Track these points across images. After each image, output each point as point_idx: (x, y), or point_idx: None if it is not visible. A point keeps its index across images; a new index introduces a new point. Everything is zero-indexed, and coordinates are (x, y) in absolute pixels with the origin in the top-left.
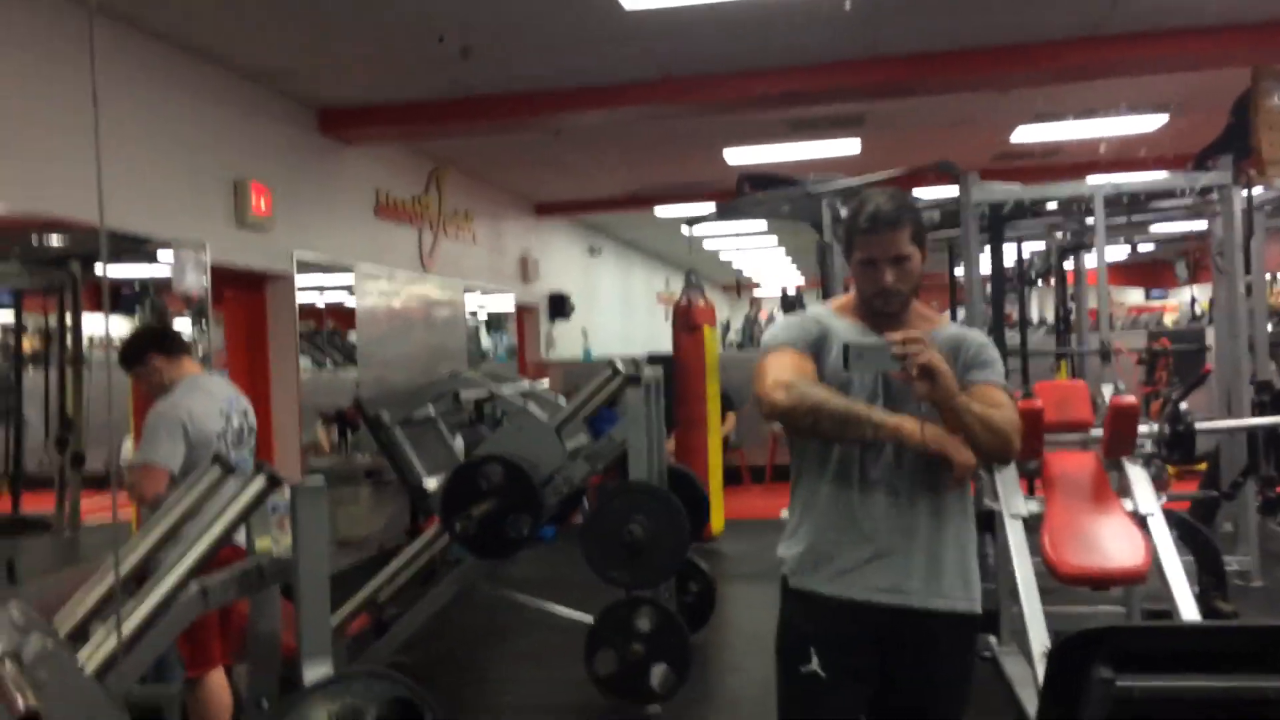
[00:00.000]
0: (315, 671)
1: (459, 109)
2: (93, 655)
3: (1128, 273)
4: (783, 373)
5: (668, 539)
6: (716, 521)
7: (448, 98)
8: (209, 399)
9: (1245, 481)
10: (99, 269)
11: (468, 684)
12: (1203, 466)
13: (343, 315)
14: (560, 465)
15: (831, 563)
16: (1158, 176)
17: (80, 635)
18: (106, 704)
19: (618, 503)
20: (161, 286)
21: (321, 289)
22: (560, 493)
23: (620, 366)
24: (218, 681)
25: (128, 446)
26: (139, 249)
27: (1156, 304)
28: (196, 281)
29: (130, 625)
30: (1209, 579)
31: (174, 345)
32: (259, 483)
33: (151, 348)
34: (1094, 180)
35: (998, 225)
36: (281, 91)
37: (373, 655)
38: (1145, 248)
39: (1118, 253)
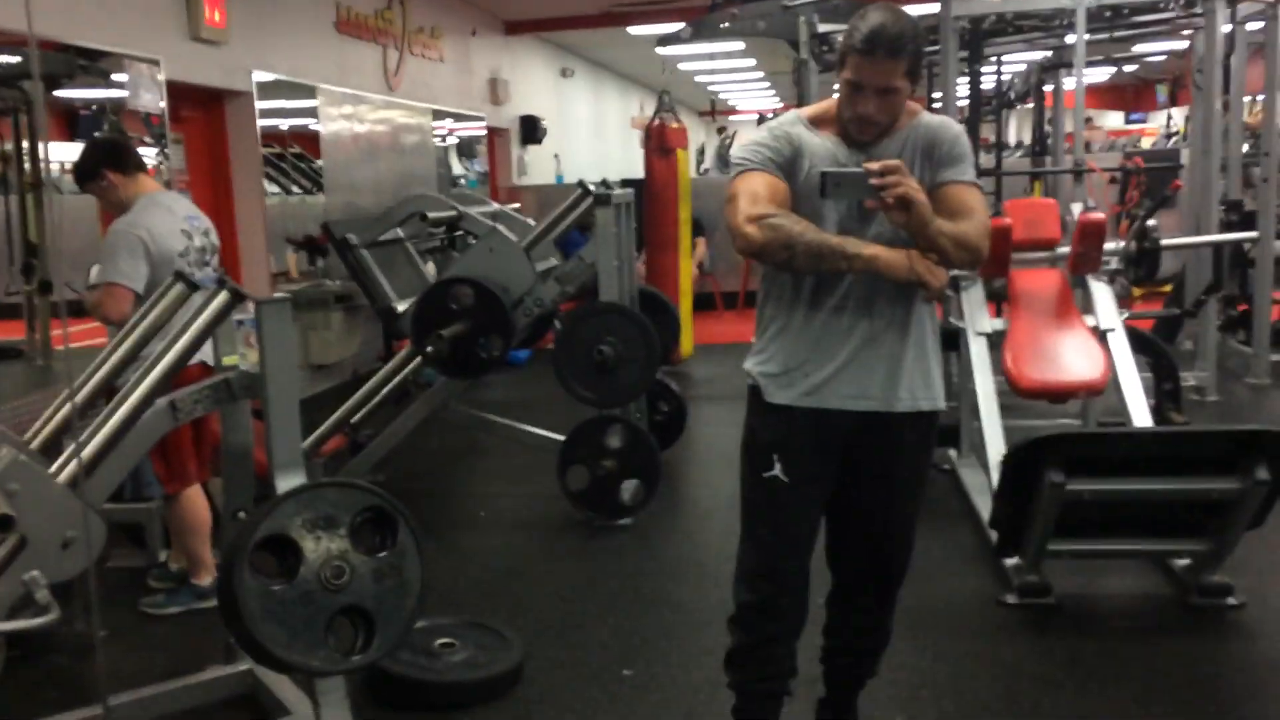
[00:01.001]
0: (288, 481)
1: None
2: (64, 467)
3: (1108, 96)
4: (755, 204)
5: (638, 358)
6: (686, 345)
7: None
8: (169, 216)
9: (1208, 299)
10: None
11: (441, 500)
12: (1168, 289)
13: (307, 140)
14: (530, 286)
15: (804, 379)
16: None
17: (52, 450)
18: (79, 511)
19: (588, 323)
20: (119, 107)
21: (284, 113)
22: (531, 314)
23: (590, 187)
24: (195, 497)
25: (95, 271)
26: (94, 68)
27: (1135, 127)
28: (153, 100)
29: (99, 439)
30: (1165, 392)
31: (128, 160)
32: (222, 297)
33: (104, 163)
34: None
35: (977, 42)
36: None
37: (347, 474)
38: (1128, 68)
39: (1099, 74)
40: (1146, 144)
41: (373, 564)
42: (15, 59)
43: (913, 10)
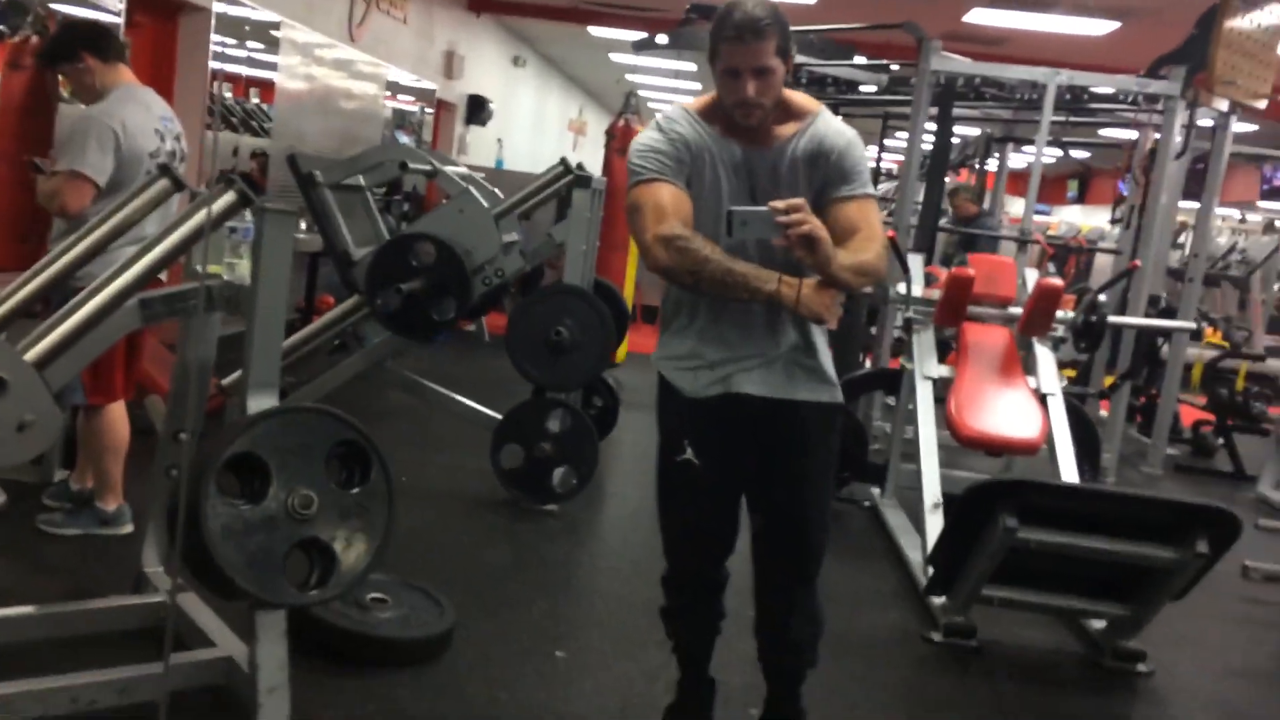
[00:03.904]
0: (262, 403)
1: None
2: (32, 347)
3: (1020, 184)
4: (662, 221)
5: (593, 345)
6: (620, 350)
7: None
8: (146, 113)
9: (1123, 384)
10: None
11: None
12: (1072, 374)
13: (257, 84)
14: (494, 255)
15: (709, 369)
16: (1110, 78)
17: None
18: (41, 395)
19: (548, 303)
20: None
21: (239, 48)
22: (490, 283)
23: (571, 165)
24: (118, 414)
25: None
26: None
27: (1040, 218)
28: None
29: (66, 327)
30: (1088, 465)
31: (108, 45)
32: (229, 196)
33: (84, 45)
34: (1047, 68)
35: (947, 100)
36: None
37: None
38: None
39: (1025, 158)
40: (1052, 235)
41: (341, 499)
42: None
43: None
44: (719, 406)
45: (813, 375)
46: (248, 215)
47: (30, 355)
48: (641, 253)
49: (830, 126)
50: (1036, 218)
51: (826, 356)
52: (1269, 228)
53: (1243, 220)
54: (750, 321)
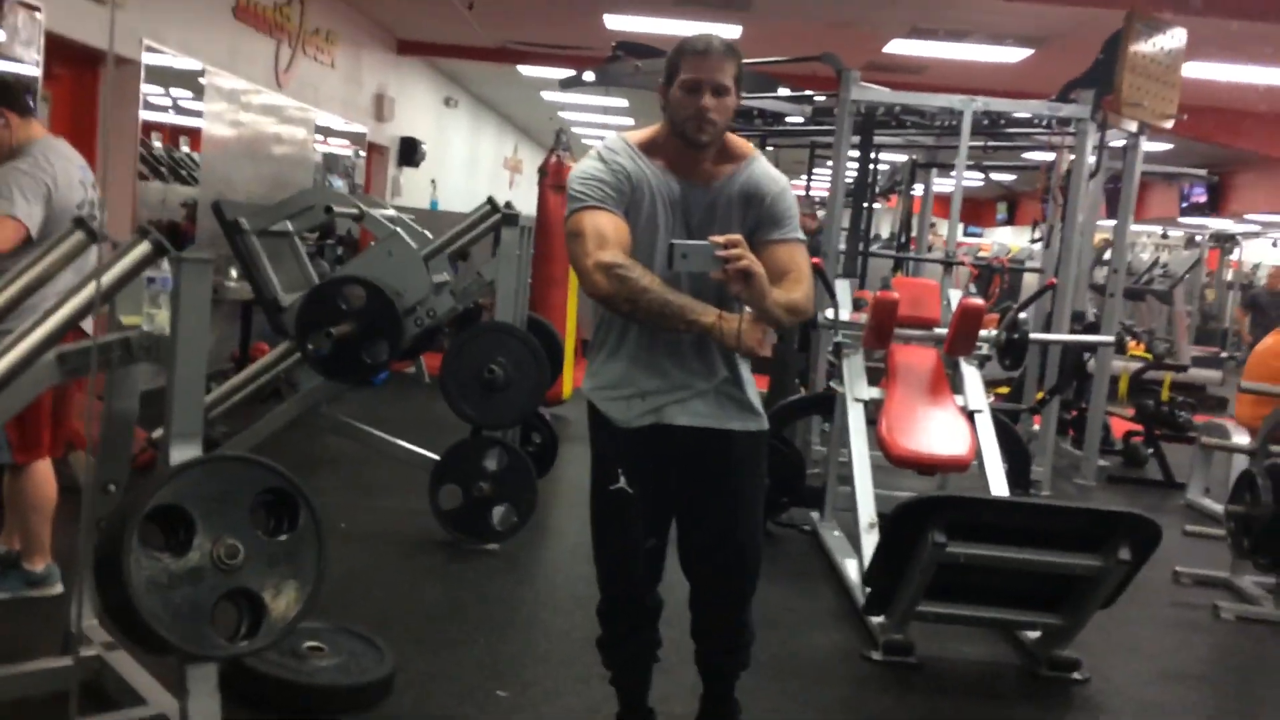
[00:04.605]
0: (185, 453)
1: None
2: None
3: (947, 208)
4: (603, 248)
5: (526, 381)
6: (565, 386)
7: None
8: (69, 165)
9: (1052, 399)
10: None
11: None
12: (1005, 390)
13: (184, 132)
14: (424, 296)
15: (641, 399)
16: (1023, 103)
17: None
18: None
19: (480, 340)
20: None
21: (164, 95)
22: (422, 324)
23: (499, 204)
24: (44, 472)
25: None
26: None
27: (972, 240)
28: (27, 52)
29: None
30: (1018, 480)
31: (22, 99)
32: (143, 247)
33: (2, 101)
34: (963, 96)
35: (869, 129)
36: None
37: None
38: (998, 178)
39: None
40: (984, 255)
41: (269, 547)
42: None
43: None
44: (651, 436)
45: (742, 407)
46: (165, 265)
47: None
48: (580, 278)
49: (766, 172)
50: (969, 239)
51: (752, 387)
52: (1190, 243)
53: (1165, 236)
54: (681, 351)
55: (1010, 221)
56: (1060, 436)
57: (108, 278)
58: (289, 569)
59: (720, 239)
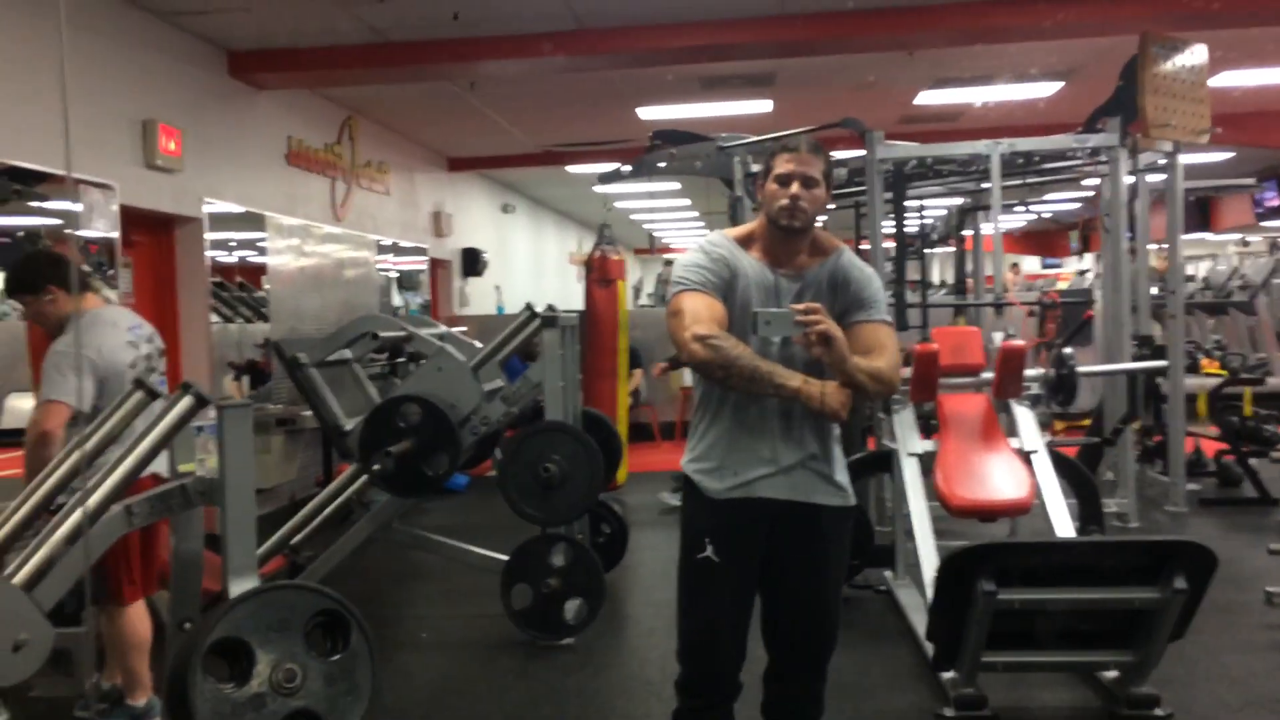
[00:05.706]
0: (242, 585)
1: (372, 55)
2: (21, 568)
3: (1024, 242)
4: (699, 323)
5: (582, 476)
6: (620, 472)
7: (361, 43)
8: (114, 330)
9: (1125, 428)
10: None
11: (383, 622)
12: (1087, 423)
13: (252, 272)
14: (477, 405)
15: (734, 475)
16: (1049, 139)
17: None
18: (32, 614)
19: (534, 441)
20: (55, 233)
21: (231, 244)
22: (478, 433)
23: (537, 309)
24: (137, 611)
25: (10, 404)
26: (28, 193)
27: (1052, 271)
28: (107, 225)
29: (53, 543)
30: (1088, 516)
31: (70, 277)
32: (186, 401)
33: (51, 277)
34: (990, 140)
35: (900, 184)
36: (190, 31)
37: None
38: (1046, 214)
39: (1014, 220)
40: (1062, 286)
41: (325, 667)
42: None
43: (842, 154)
44: (740, 507)
45: (829, 482)
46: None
47: (18, 578)
48: (679, 349)
49: (853, 262)
50: (1048, 271)
51: (841, 465)
52: (1274, 247)
53: (1245, 243)
54: (770, 429)
55: (1086, 248)
56: (1147, 464)
57: (155, 434)
58: (346, 685)
59: (800, 305)
